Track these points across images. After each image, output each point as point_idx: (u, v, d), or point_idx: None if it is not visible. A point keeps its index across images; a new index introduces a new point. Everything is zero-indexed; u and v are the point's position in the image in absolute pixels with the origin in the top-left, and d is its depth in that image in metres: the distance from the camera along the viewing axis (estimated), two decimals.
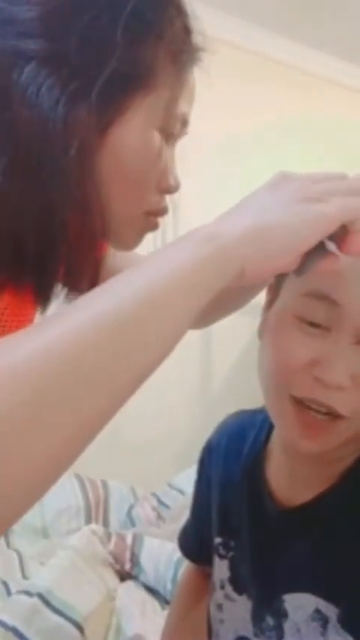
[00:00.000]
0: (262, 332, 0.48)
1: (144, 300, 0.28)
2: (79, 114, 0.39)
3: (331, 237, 0.34)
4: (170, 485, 1.64)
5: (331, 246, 0.35)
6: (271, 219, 0.32)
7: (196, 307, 0.31)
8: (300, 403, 0.42)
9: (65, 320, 0.28)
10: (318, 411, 0.42)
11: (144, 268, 0.30)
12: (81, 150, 0.39)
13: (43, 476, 0.27)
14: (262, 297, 0.51)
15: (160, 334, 0.29)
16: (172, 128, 0.45)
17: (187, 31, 0.43)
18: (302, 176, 0.35)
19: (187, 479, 1.44)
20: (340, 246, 0.35)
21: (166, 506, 1.57)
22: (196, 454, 0.67)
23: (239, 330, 1.37)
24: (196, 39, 0.44)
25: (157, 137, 0.44)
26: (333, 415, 0.41)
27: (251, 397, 0.52)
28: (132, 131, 0.42)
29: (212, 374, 1.90)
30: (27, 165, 0.39)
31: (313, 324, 0.42)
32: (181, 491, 1.56)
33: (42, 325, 0.28)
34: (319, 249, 0.35)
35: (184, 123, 0.47)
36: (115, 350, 0.28)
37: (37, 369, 0.26)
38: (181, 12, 0.43)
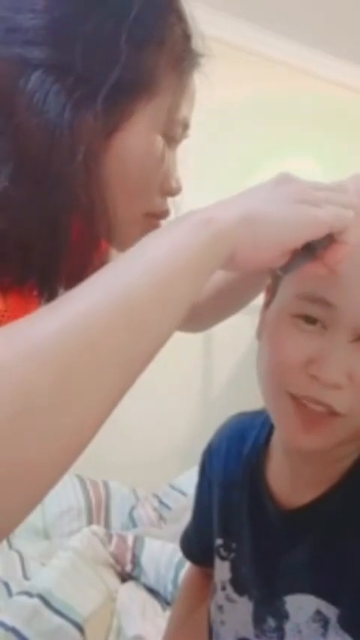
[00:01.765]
0: (260, 332, 0.48)
1: (149, 281, 0.29)
2: (86, 120, 0.39)
3: (319, 244, 0.35)
4: (172, 486, 1.64)
5: (317, 252, 0.36)
6: (263, 211, 0.33)
7: (195, 288, 0.32)
8: (298, 400, 0.43)
9: (77, 302, 0.29)
10: (316, 408, 0.42)
11: (145, 250, 0.31)
12: (87, 155, 0.40)
13: (69, 452, 0.27)
14: (263, 298, 0.52)
15: (166, 313, 0.30)
16: (173, 132, 0.46)
17: (187, 37, 0.44)
18: (304, 181, 0.36)
19: (189, 480, 1.44)
20: (323, 254, 0.36)
21: (168, 507, 1.57)
22: (197, 455, 0.67)
23: (241, 331, 1.37)
24: (196, 44, 0.45)
25: (159, 141, 0.44)
26: (331, 412, 0.42)
27: (253, 398, 0.52)
28: (136, 136, 0.42)
29: (214, 375, 1.90)
30: (34, 171, 0.39)
31: (309, 323, 0.42)
32: (183, 493, 1.56)
33: (54, 308, 0.29)
34: (306, 253, 0.36)
35: (186, 127, 0.48)
36: (127, 329, 0.28)
37: (57, 350, 0.26)
38: (181, 19, 0.43)
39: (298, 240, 0.34)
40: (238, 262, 0.33)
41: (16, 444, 0.25)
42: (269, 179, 0.36)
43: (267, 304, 0.48)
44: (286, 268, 0.36)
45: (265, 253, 0.34)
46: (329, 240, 0.36)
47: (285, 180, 0.36)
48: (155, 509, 1.56)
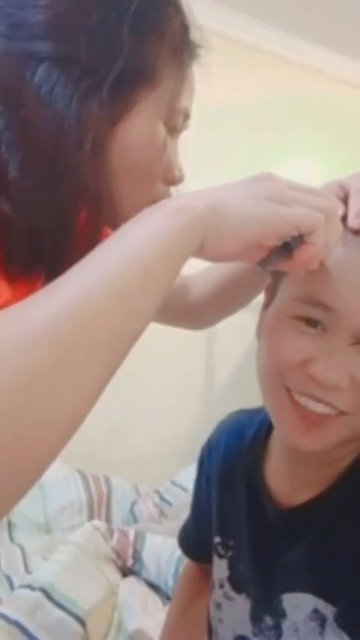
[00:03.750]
0: (259, 332, 0.48)
1: (132, 265, 0.31)
2: (92, 110, 0.40)
3: (294, 243, 0.37)
4: (173, 483, 1.64)
5: (292, 250, 0.37)
6: (229, 203, 0.35)
7: (173, 272, 0.34)
8: (295, 400, 0.43)
9: (68, 287, 0.30)
10: (315, 408, 0.42)
11: (126, 237, 0.33)
12: (94, 144, 0.41)
13: (66, 427, 0.29)
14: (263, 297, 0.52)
15: (148, 295, 0.32)
16: (174, 122, 0.47)
17: (185, 29, 0.45)
18: (282, 180, 0.37)
19: (190, 476, 1.43)
20: (294, 254, 0.37)
21: (169, 503, 1.57)
22: (199, 452, 0.68)
23: (243, 329, 1.37)
24: (194, 36, 0.46)
25: (161, 129, 0.45)
26: (336, 410, 0.42)
27: (255, 395, 0.52)
28: (139, 125, 0.43)
29: (216, 372, 1.90)
30: (43, 160, 0.40)
31: (309, 325, 0.42)
32: (184, 489, 1.56)
33: (48, 293, 0.31)
34: (283, 250, 0.37)
35: (186, 117, 0.49)
36: (115, 311, 0.30)
37: (53, 333, 0.28)
38: (179, 11, 0.45)
39: (261, 235, 0.35)
40: (206, 251, 0.35)
41: (19, 423, 0.27)
42: (250, 176, 0.37)
43: (267, 304, 0.49)
44: (264, 263, 0.38)
45: (228, 244, 0.35)
46: (301, 240, 0.37)
47: (263, 177, 0.37)
48: (156, 505, 1.57)
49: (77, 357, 0.29)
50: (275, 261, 0.38)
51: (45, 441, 0.28)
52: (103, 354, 0.30)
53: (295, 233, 0.36)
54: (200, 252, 0.35)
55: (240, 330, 1.34)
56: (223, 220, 0.35)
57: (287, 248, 0.37)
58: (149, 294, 0.32)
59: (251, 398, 0.62)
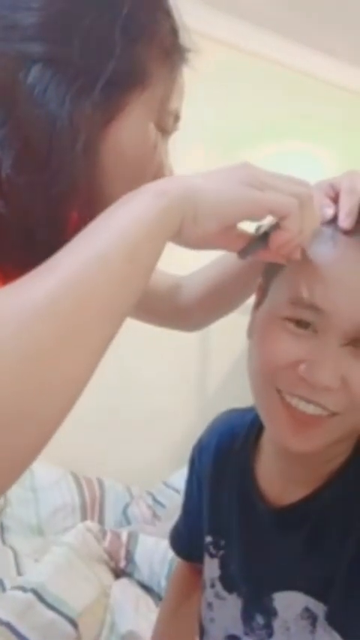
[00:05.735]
0: (250, 332, 0.49)
1: (120, 246, 0.33)
2: (84, 110, 0.41)
3: (271, 230, 0.38)
4: (166, 484, 1.64)
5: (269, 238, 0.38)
6: (205, 187, 0.37)
7: (157, 252, 0.36)
8: (286, 401, 0.43)
9: (63, 267, 0.33)
10: (306, 409, 0.42)
11: (112, 219, 0.35)
12: (86, 144, 0.42)
13: (68, 396, 0.32)
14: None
15: (135, 272, 0.34)
16: (165, 124, 0.48)
17: (175, 32, 0.46)
18: (258, 168, 0.39)
19: (183, 478, 1.43)
20: (269, 240, 0.38)
21: (162, 505, 1.57)
22: None
23: (237, 331, 1.37)
24: (184, 40, 0.47)
25: (152, 130, 0.46)
26: (327, 411, 0.42)
27: (248, 397, 0.52)
28: (130, 125, 0.44)
29: (210, 374, 1.90)
30: (36, 159, 0.41)
31: (300, 327, 0.42)
32: (177, 490, 1.56)
33: (44, 272, 0.33)
34: (262, 239, 0.38)
35: (177, 118, 0.50)
36: (108, 289, 0.33)
37: (54, 308, 0.31)
38: (169, 15, 0.46)
39: (235, 218, 0.37)
40: (183, 235, 0.37)
41: (24, 391, 0.29)
42: (230, 165, 0.39)
43: (258, 304, 0.49)
44: (243, 252, 0.39)
45: (204, 227, 0.37)
46: (277, 226, 0.38)
47: (242, 165, 0.39)
48: (149, 507, 1.57)
49: (76, 331, 0.31)
50: (253, 250, 0.39)
51: (47, 409, 0.30)
52: (97, 327, 0.33)
53: (270, 218, 0.37)
54: (179, 236, 0.37)
55: (234, 332, 1.34)
56: (199, 204, 0.36)
57: (265, 237, 0.38)
58: (135, 270, 0.34)
59: (245, 400, 0.62)
